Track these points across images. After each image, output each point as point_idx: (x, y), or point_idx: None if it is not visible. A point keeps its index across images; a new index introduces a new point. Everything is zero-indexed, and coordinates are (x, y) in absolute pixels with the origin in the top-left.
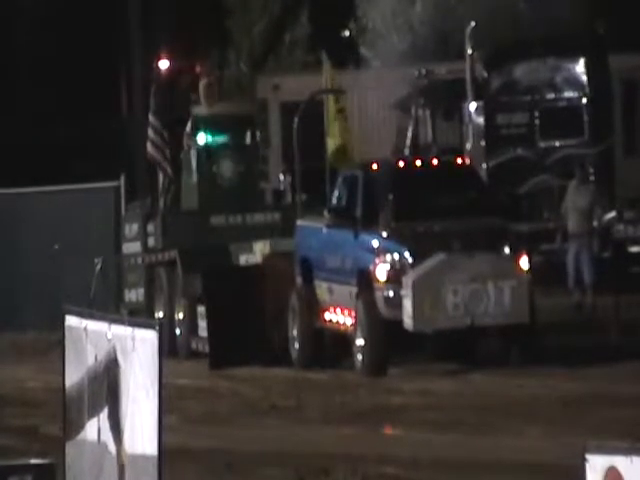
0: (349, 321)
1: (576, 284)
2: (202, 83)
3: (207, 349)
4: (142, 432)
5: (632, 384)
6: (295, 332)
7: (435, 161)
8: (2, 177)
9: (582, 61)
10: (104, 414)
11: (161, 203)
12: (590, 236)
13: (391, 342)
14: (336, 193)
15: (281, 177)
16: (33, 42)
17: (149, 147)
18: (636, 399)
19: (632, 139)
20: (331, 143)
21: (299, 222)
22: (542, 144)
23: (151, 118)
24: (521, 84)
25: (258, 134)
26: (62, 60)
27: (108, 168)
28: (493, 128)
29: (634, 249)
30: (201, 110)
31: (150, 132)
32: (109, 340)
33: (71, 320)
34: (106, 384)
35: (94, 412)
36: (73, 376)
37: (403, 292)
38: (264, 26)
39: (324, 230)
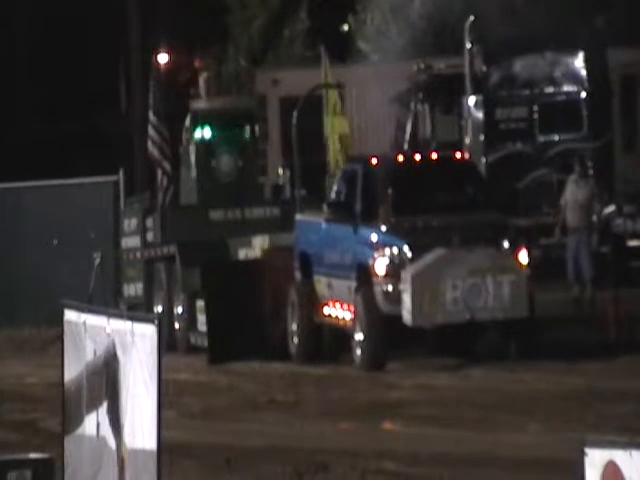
0: (348, 316)
1: (575, 278)
2: (202, 77)
3: (206, 344)
4: (141, 427)
5: (631, 379)
6: (294, 327)
7: (434, 156)
8: (1, 172)
9: (581, 55)
10: (103, 409)
11: (159, 199)
12: (589, 230)
13: (390, 337)
14: (335, 188)
15: (280, 172)
16: (33, 39)
17: (149, 144)
18: (635, 393)
19: (631, 133)
20: (334, 139)
21: (298, 217)
22: (541, 138)
23: (150, 114)
24: (520, 78)
25: (257, 129)
26: (61, 56)
27: (107, 163)
28: (492, 122)
29: (633, 243)
30: (200, 105)
31: (149, 129)
32: (108, 335)
33: (70, 315)
34: (105, 379)
35: (93, 407)
36: (72, 371)
37: (402, 287)
38: (263, 21)
39: (323, 225)
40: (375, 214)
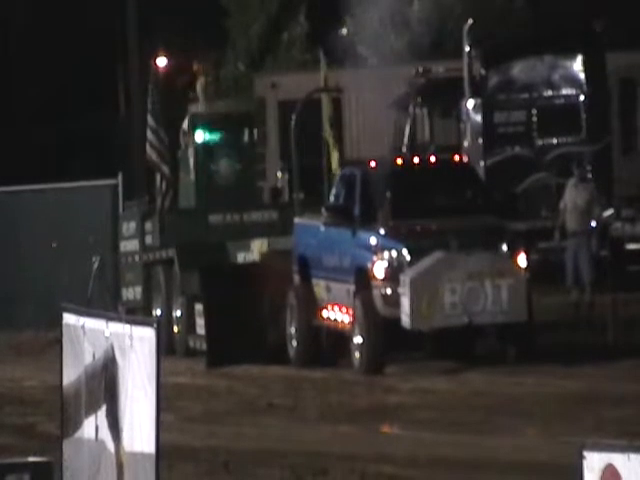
0: (347, 319)
1: (574, 282)
2: (200, 81)
3: (205, 347)
4: (140, 430)
5: (630, 382)
6: (293, 330)
7: (433, 159)
8: (0, 175)
9: (580, 59)
10: (102, 412)
11: (158, 203)
12: (588, 234)
13: (389, 340)
14: (334, 191)
15: (279, 175)
16: (31, 41)
17: (147, 148)
18: (634, 397)
19: (630, 137)
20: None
21: (297, 220)
22: (540, 142)
23: (148, 118)
24: (519, 82)
25: (256, 132)
26: (60, 58)
27: (106, 166)
28: (491, 126)
29: (632, 247)
30: (198, 108)
31: (148, 133)
32: (107, 338)
33: (69, 318)
34: (104, 382)
35: (92, 410)
36: (71, 374)
37: (401, 290)
38: (262, 25)
39: (322, 228)
40: (374, 217)
